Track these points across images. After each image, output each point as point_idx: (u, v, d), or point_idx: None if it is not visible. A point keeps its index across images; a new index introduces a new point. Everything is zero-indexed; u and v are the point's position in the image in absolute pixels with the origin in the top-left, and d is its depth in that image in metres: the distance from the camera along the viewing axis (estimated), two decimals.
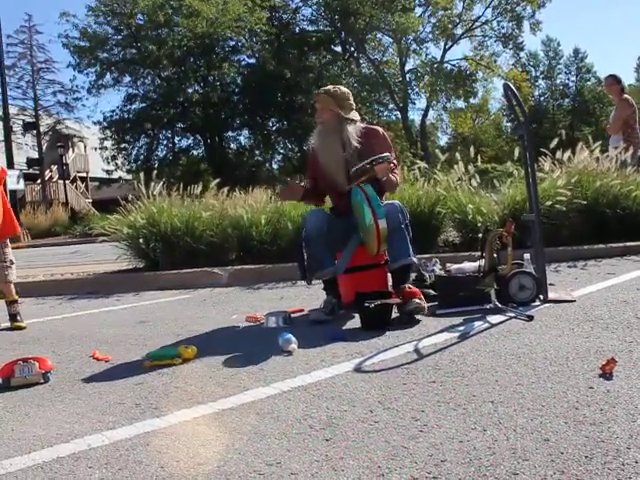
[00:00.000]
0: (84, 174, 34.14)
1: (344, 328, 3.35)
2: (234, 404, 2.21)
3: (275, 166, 34.67)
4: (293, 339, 2.90)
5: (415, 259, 3.60)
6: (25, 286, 6.14)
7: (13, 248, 4.42)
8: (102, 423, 2.13)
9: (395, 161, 3.76)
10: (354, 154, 3.67)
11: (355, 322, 3.40)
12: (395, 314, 3.37)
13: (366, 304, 3.22)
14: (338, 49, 34.56)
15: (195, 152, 32.78)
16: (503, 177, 6.14)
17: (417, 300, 3.33)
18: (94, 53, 29.03)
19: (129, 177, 29.63)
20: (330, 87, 3.87)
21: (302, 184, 3.88)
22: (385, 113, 36.43)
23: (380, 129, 3.90)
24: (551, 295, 3.47)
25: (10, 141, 19.76)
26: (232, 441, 1.88)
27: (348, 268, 3.64)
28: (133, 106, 30.65)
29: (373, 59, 35.75)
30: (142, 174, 7.23)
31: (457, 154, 5.93)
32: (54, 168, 30.81)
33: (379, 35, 35.64)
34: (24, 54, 29.46)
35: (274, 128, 32.82)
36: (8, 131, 19.95)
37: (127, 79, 30.50)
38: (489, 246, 3.36)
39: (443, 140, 48.28)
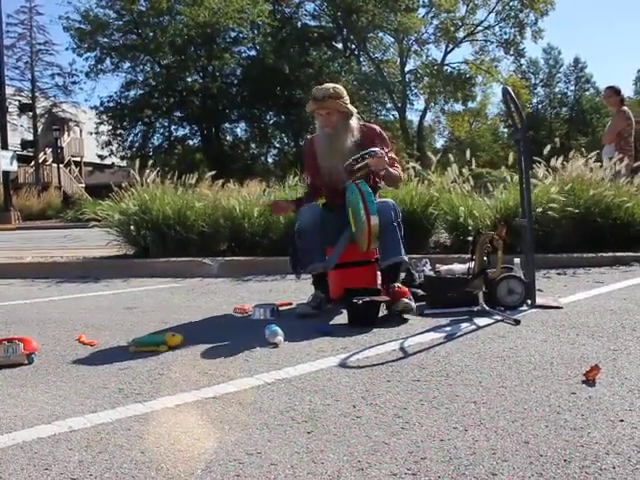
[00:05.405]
0: (78, 158, 33.98)
1: (331, 323, 3.35)
2: (217, 393, 2.21)
3: (270, 160, 34.70)
4: (280, 332, 2.90)
5: (406, 258, 3.61)
6: (14, 268, 6.14)
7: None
8: (84, 406, 2.13)
9: (394, 155, 3.77)
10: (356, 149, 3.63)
11: (342, 318, 3.40)
12: (383, 312, 3.37)
13: (354, 300, 3.23)
14: (339, 46, 34.58)
15: (191, 142, 32.75)
16: (497, 182, 6.14)
17: (405, 299, 3.33)
18: (94, 37, 28.92)
19: (123, 164, 29.54)
20: (329, 87, 3.68)
21: (305, 179, 3.76)
22: (383, 112, 36.56)
23: (377, 127, 3.89)
24: (539, 301, 3.48)
25: (5, 122, 19.62)
26: (213, 430, 1.88)
27: (338, 264, 3.63)
28: (131, 92, 30.58)
29: (374, 58, 35.79)
30: (137, 161, 7.18)
31: (450, 156, 5.96)
32: (48, 151, 30.61)
33: (381, 34, 35.72)
34: (23, 35, 29.31)
35: (271, 122, 32.82)
36: (4, 111, 19.81)
37: (127, 65, 30.42)
38: (480, 249, 3.37)
39: (439, 142, 48.38)
